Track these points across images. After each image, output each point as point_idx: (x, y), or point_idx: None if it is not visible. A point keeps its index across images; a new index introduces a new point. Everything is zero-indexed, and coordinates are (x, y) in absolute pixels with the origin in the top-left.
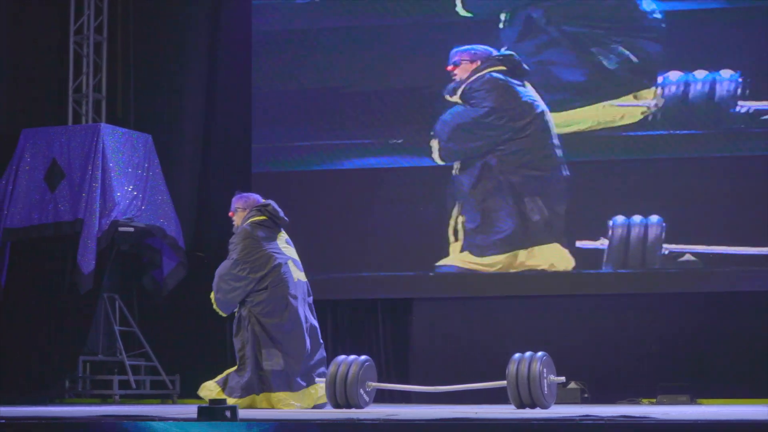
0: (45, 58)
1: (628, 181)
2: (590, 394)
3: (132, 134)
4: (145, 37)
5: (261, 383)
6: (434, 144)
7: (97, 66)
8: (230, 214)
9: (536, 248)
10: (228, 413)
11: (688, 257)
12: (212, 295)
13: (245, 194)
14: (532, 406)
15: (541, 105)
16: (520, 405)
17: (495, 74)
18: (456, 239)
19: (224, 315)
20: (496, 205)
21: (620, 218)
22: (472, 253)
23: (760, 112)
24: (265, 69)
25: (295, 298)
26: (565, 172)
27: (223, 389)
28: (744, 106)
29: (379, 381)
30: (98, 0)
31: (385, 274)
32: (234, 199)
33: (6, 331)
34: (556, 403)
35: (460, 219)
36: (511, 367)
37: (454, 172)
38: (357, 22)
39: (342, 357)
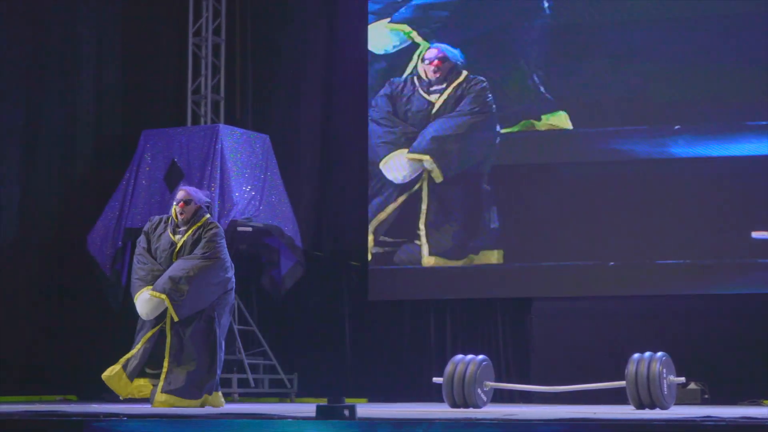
0: (163, 59)
1: None
2: (710, 394)
3: (250, 135)
4: (262, 37)
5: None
6: (425, 159)
7: (216, 67)
8: (181, 205)
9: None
10: (347, 412)
11: None
12: (165, 298)
13: (196, 188)
14: (652, 406)
15: None
16: (640, 405)
17: (480, 77)
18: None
19: (177, 319)
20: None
21: None
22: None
23: None
24: (381, 67)
25: None
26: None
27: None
28: None
29: (500, 381)
30: (216, 2)
31: (502, 274)
32: (192, 191)
33: (128, 329)
34: (675, 404)
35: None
36: (631, 368)
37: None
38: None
39: (459, 357)
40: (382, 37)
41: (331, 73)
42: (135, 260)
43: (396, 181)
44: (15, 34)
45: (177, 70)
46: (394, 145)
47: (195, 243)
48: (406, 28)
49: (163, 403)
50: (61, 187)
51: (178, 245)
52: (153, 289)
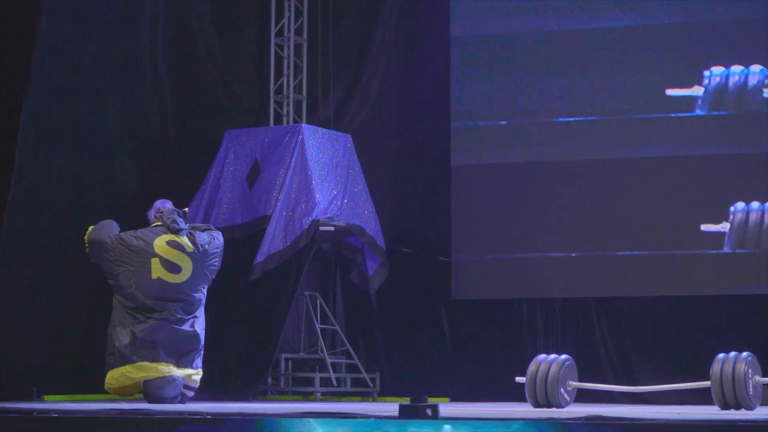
0: (246, 60)
1: None
2: None
3: (332, 134)
4: (344, 37)
5: None
6: None
7: (298, 67)
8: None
9: None
10: (429, 411)
11: None
12: None
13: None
14: (737, 407)
15: None
16: (725, 406)
17: None
18: None
19: None
20: None
21: None
22: None
23: None
24: (462, 64)
25: None
26: None
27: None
28: None
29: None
30: (298, 2)
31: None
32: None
33: (208, 330)
34: (761, 405)
35: None
36: (716, 368)
37: None
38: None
39: (542, 356)
40: None
41: (412, 68)
42: None
43: None
44: (87, 31)
45: (259, 71)
46: None
47: None
48: None
49: None
50: (135, 184)
51: None
52: None
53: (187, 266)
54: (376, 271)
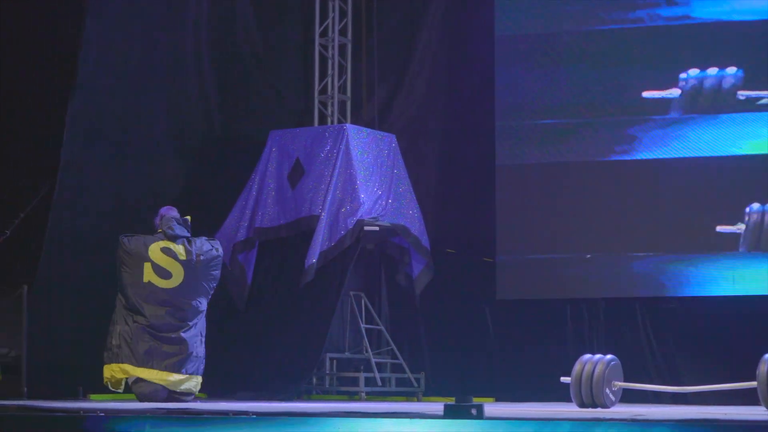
0: (290, 60)
1: None
2: None
3: (377, 134)
4: (388, 37)
5: None
6: None
7: (342, 67)
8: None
9: None
10: (474, 411)
11: None
12: None
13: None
14: None
15: None
16: None
17: None
18: None
19: None
20: None
21: None
22: None
23: None
24: (507, 63)
25: None
26: None
27: None
28: None
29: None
30: (342, 2)
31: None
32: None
33: (254, 329)
34: None
35: None
36: (762, 368)
37: None
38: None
39: (587, 356)
40: None
41: (456, 68)
42: None
43: None
44: (132, 32)
45: (304, 71)
46: None
47: None
48: None
49: None
50: (180, 184)
51: None
52: None
53: (177, 273)
54: (421, 272)
